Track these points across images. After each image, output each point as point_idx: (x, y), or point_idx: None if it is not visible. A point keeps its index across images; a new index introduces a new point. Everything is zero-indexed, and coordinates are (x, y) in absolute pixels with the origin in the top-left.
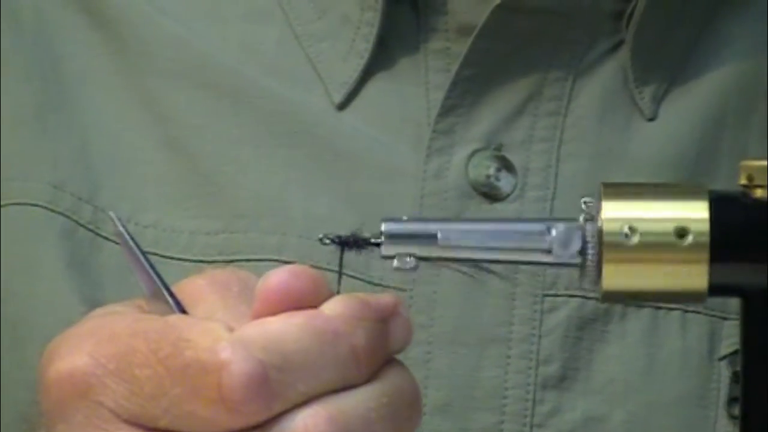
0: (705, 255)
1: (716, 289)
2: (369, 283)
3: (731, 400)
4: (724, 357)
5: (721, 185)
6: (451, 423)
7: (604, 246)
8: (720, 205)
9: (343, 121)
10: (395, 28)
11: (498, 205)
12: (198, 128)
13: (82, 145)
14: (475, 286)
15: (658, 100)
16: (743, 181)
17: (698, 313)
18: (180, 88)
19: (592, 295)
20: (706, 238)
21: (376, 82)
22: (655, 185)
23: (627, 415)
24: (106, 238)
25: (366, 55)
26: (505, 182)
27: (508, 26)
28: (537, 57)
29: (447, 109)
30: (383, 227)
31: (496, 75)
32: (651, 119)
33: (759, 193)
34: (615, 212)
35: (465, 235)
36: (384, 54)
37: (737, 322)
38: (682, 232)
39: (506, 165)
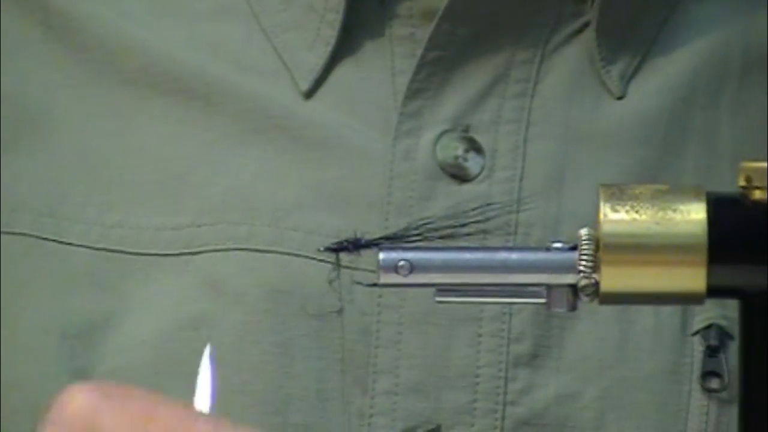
0: (703, 257)
1: (715, 290)
2: (334, 264)
3: (705, 374)
4: (697, 332)
5: (690, 164)
6: (423, 403)
7: (602, 247)
8: (718, 206)
9: (311, 109)
10: (360, 14)
11: (466, 186)
12: (168, 135)
13: (47, 159)
14: None
15: (626, 79)
16: (742, 182)
17: None
18: (149, 96)
19: None
20: (704, 240)
21: (343, 68)
22: (654, 187)
23: (600, 391)
24: (71, 244)
25: (332, 42)
26: (473, 163)
27: (471, 9)
28: (502, 39)
29: (413, 92)
30: (380, 256)
31: (461, 57)
32: (619, 98)
33: (757, 194)
34: (613, 214)
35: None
36: (349, 41)
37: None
38: (680, 234)
39: (474, 146)
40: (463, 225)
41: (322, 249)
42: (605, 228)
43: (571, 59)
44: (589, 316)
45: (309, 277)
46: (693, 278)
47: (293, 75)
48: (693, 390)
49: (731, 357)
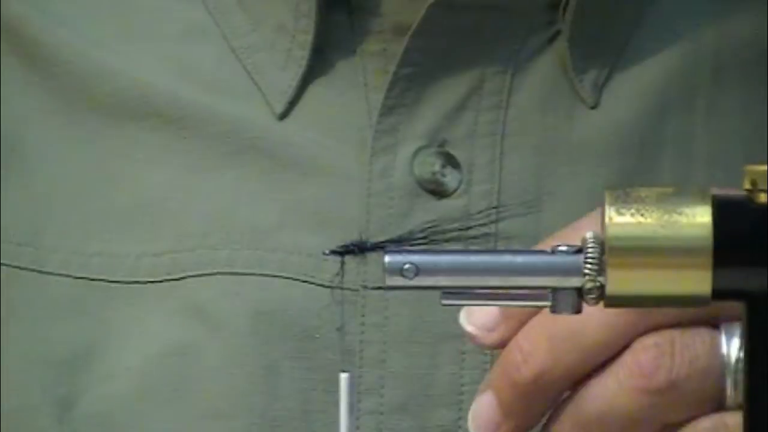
0: (708, 260)
1: (720, 293)
2: (319, 285)
3: None
4: None
5: (666, 170)
6: (409, 422)
7: (608, 250)
8: (723, 209)
9: (286, 130)
10: (331, 33)
11: (445, 201)
12: (144, 160)
13: (25, 188)
14: None
15: (599, 88)
16: (747, 185)
17: None
18: (122, 122)
19: None
20: (710, 243)
21: (316, 88)
22: (660, 189)
23: None
24: (50, 273)
25: (303, 63)
26: (450, 178)
27: (443, 23)
28: (475, 52)
29: (388, 109)
30: (386, 259)
31: (435, 72)
32: (593, 107)
33: (762, 197)
34: (619, 217)
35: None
36: (321, 60)
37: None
38: (685, 237)
39: (451, 161)
40: (469, 228)
41: (327, 252)
42: (611, 231)
43: (543, 69)
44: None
45: (291, 297)
46: (698, 281)
47: (266, 96)
48: None
49: None
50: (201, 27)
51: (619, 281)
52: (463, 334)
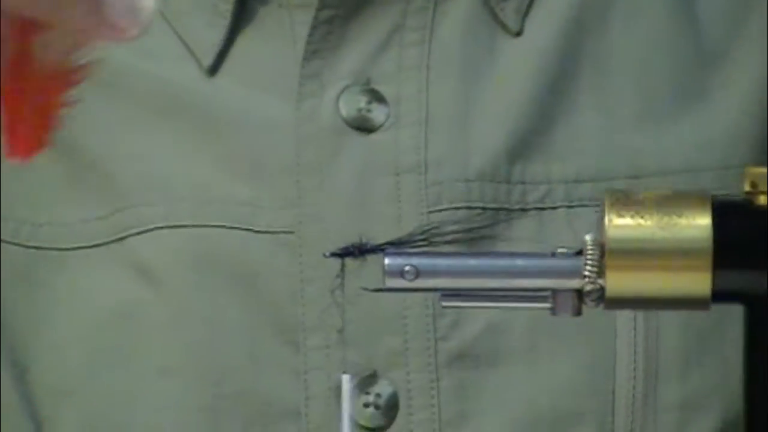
0: (708, 262)
1: (719, 295)
2: (255, 232)
3: None
4: None
5: (586, 86)
6: (356, 352)
7: (607, 252)
8: (723, 211)
9: (216, 86)
10: None
11: (374, 136)
12: (80, 122)
13: None
14: (362, 213)
15: (521, 14)
16: (747, 188)
17: (584, 206)
18: None
19: (476, 204)
20: (710, 245)
21: (243, 41)
22: (659, 192)
23: (528, 319)
24: (5, 242)
25: (228, 15)
26: (377, 113)
27: None
28: None
29: (311, 54)
30: (386, 261)
31: (355, 13)
32: (518, 34)
33: (762, 200)
34: (619, 219)
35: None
36: (247, 14)
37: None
38: (685, 239)
39: (377, 97)
40: (469, 230)
41: (327, 255)
42: (610, 233)
43: (465, 1)
44: (506, 245)
45: (229, 246)
46: (698, 283)
47: (195, 54)
48: None
49: None
50: None
51: (618, 283)
52: None
